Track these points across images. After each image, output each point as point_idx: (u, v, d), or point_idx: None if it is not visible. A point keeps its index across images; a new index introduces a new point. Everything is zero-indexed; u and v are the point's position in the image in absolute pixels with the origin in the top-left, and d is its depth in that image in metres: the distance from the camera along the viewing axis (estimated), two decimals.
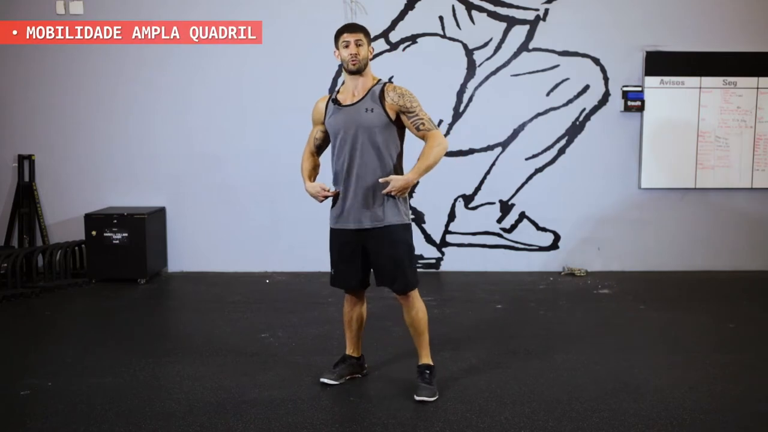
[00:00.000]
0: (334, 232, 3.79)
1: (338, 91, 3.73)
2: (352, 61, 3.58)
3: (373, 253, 3.68)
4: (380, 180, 3.57)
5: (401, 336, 4.66)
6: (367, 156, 3.59)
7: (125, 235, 6.09)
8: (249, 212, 6.56)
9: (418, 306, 3.74)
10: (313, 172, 3.85)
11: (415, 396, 3.67)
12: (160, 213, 6.45)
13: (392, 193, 3.56)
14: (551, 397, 3.72)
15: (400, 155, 3.69)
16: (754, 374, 4.06)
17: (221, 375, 4.03)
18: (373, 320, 4.90)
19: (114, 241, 6.09)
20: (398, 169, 3.67)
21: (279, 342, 4.63)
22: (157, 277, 6.40)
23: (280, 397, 3.72)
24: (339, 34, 3.64)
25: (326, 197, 3.71)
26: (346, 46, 3.59)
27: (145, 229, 6.09)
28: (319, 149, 3.86)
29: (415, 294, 3.72)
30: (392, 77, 5.99)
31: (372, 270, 3.76)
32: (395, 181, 3.54)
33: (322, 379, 3.83)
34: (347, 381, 3.89)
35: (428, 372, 3.76)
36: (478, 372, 4.07)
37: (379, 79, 3.70)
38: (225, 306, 5.49)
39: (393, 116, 3.62)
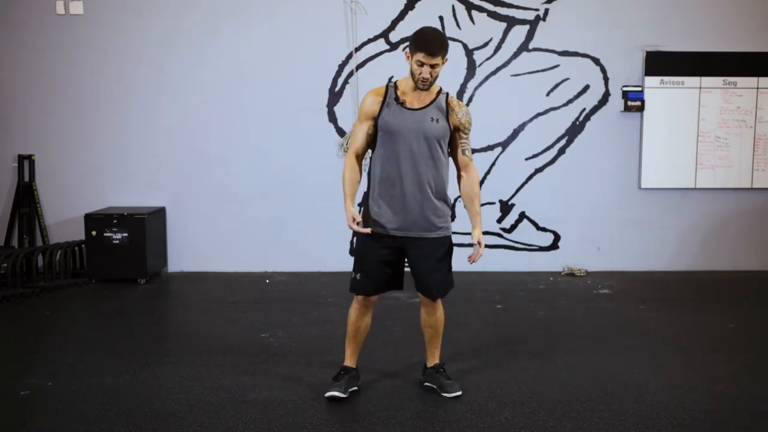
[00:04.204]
0: (372, 236, 3.60)
1: (396, 88, 3.60)
2: (423, 83, 3.49)
3: (419, 261, 3.63)
4: (481, 242, 3.58)
5: (401, 336, 4.67)
6: (425, 164, 3.54)
7: (125, 235, 6.08)
8: (249, 212, 6.55)
9: (442, 307, 3.80)
10: (356, 189, 3.60)
11: (445, 394, 3.71)
12: (160, 213, 6.44)
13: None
14: (551, 397, 3.73)
15: (447, 167, 3.68)
16: (754, 374, 4.06)
17: (221, 375, 4.03)
18: (373, 320, 4.89)
19: (114, 241, 6.09)
20: (447, 182, 3.66)
21: (279, 342, 4.63)
22: (157, 277, 6.40)
23: (280, 397, 3.72)
24: (417, 48, 3.45)
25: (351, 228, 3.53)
26: (420, 65, 3.44)
27: (145, 229, 6.09)
28: (366, 148, 3.65)
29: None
30: (392, 77, 5.99)
31: (413, 275, 3.69)
32: (482, 250, 3.59)
33: (330, 393, 3.66)
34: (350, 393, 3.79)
35: (444, 369, 3.83)
36: (478, 372, 4.07)
37: (440, 87, 3.64)
38: (225, 306, 5.49)
39: (452, 130, 3.62)
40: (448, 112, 3.59)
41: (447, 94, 3.65)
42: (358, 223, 3.48)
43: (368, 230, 3.54)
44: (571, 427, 3.38)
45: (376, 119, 3.58)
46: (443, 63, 3.50)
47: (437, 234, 3.62)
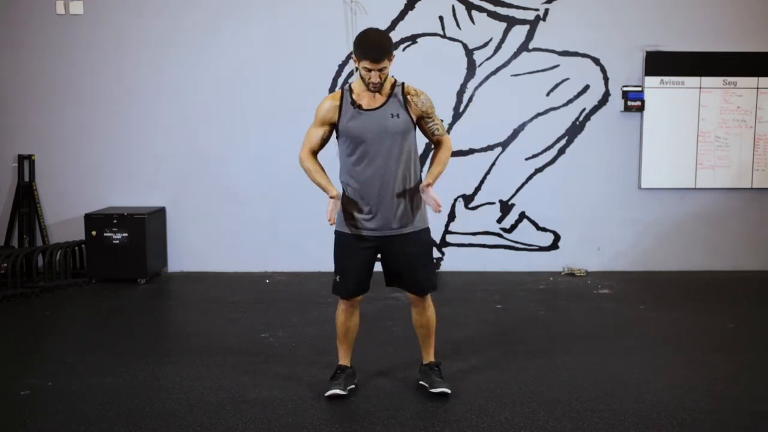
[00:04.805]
0: (349, 238, 3.64)
1: (351, 91, 3.59)
2: (374, 86, 3.48)
3: (397, 257, 3.63)
4: (423, 188, 3.53)
5: (401, 336, 4.67)
6: (393, 162, 3.54)
7: (125, 235, 6.08)
8: (249, 212, 6.55)
9: (432, 306, 3.80)
10: (326, 174, 3.65)
11: (432, 390, 3.71)
12: (160, 213, 6.45)
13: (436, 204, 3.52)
14: (551, 397, 3.73)
15: (418, 158, 3.70)
16: (754, 374, 4.06)
17: (221, 375, 4.03)
18: (373, 320, 4.91)
19: (114, 241, 6.09)
20: (418, 172, 3.67)
21: (279, 342, 4.63)
22: (157, 277, 6.40)
23: (280, 397, 3.72)
24: (361, 55, 3.42)
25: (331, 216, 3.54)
26: (368, 71, 3.43)
27: (145, 229, 6.09)
28: (321, 148, 3.69)
29: (430, 295, 3.77)
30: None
31: (390, 274, 3.71)
32: (433, 194, 3.51)
33: (330, 392, 3.67)
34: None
35: (438, 368, 3.83)
36: (478, 372, 4.07)
37: (395, 80, 3.62)
38: (225, 306, 5.49)
39: (415, 120, 3.62)
40: (406, 103, 3.58)
41: (402, 84, 3.61)
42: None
43: (337, 201, 3.51)
44: (571, 427, 3.38)
45: (334, 125, 3.60)
46: (390, 62, 3.48)
47: (413, 228, 3.62)
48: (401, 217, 3.59)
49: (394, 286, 3.76)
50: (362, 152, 3.55)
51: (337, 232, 3.71)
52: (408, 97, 3.58)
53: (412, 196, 3.62)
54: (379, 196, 3.56)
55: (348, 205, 3.63)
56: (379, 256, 3.71)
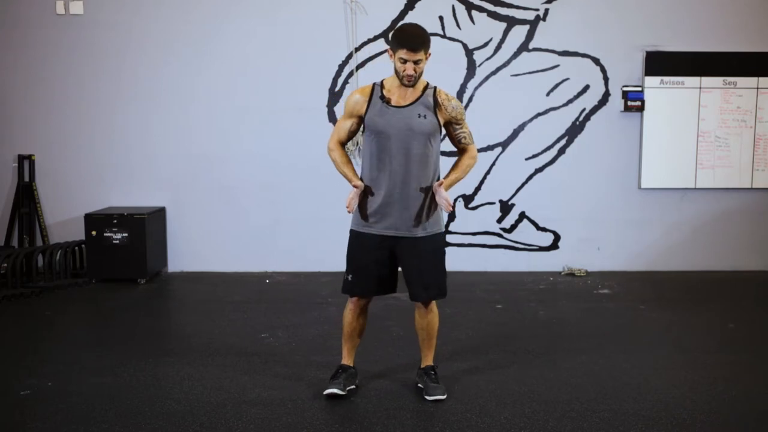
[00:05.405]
0: (363, 237, 3.63)
1: (382, 86, 3.59)
2: (408, 79, 3.47)
3: (410, 261, 3.61)
4: (435, 187, 3.54)
5: (401, 336, 4.67)
6: (414, 162, 3.53)
7: (125, 235, 6.08)
8: (249, 212, 6.55)
9: (436, 310, 3.77)
10: (353, 166, 3.68)
11: (427, 396, 3.68)
12: (160, 213, 6.44)
13: (447, 204, 3.53)
14: (551, 397, 3.73)
15: (439, 162, 3.69)
16: (754, 374, 4.06)
17: (221, 375, 4.03)
18: (373, 320, 4.89)
19: (114, 241, 6.09)
20: (437, 178, 3.66)
21: (279, 342, 4.63)
22: (157, 277, 6.40)
23: (280, 397, 3.72)
24: (398, 44, 3.42)
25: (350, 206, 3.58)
26: (404, 62, 3.42)
27: (145, 229, 6.09)
28: (348, 140, 3.71)
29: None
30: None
31: (404, 277, 3.68)
32: (444, 193, 3.52)
33: (328, 391, 3.66)
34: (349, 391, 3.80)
35: (434, 372, 3.80)
36: (478, 372, 4.07)
37: (427, 82, 3.62)
38: (225, 306, 5.49)
39: (443, 125, 3.62)
40: (436, 106, 3.58)
41: (435, 88, 3.62)
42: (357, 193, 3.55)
43: (358, 191, 3.55)
44: (571, 427, 3.38)
45: (362, 118, 3.60)
46: (426, 58, 3.49)
47: (427, 232, 3.61)
48: (416, 219, 3.57)
49: (417, 300, 3.70)
50: (384, 148, 3.54)
51: (351, 231, 3.70)
52: (439, 100, 3.58)
53: (430, 199, 3.60)
54: (396, 195, 3.55)
55: (363, 202, 3.62)
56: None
